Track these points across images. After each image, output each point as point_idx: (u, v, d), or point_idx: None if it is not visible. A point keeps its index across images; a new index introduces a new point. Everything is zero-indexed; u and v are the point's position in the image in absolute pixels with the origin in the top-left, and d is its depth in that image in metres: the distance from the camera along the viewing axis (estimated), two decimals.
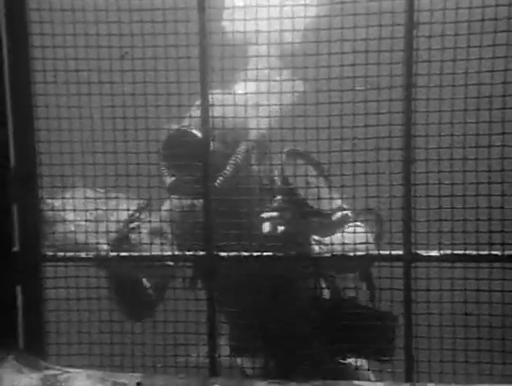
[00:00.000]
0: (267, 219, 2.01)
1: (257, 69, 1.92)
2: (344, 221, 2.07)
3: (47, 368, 1.81)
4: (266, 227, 1.99)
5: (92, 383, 1.73)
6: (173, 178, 2.30)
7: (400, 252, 1.89)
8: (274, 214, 2.03)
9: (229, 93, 2.04)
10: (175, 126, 2.25)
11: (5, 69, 1.94)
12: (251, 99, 1.93)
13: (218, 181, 2.25)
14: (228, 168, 2.28)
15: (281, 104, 1.92)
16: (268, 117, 1.98)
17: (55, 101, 1.95)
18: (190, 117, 2.18)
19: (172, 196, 2.36)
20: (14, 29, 1.93)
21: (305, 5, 1.83)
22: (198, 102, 1.99)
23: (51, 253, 2.05)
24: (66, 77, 1.93)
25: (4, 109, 1.95)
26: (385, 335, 2.08)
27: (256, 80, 1.91)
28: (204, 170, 1.94)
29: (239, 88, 2.12)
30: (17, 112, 1.97)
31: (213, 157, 1.99)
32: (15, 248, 2.02)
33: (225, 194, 2.09)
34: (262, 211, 2.06)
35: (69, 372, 1.80)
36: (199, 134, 2.13)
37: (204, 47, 1.87)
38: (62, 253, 2.05)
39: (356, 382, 1.79)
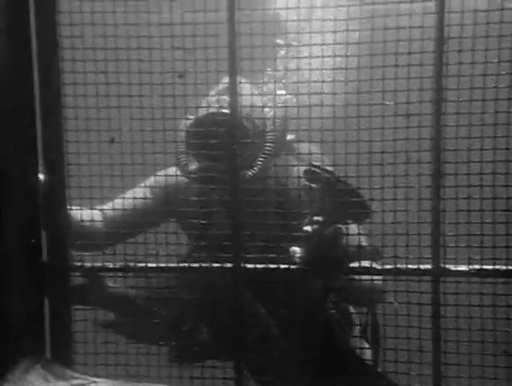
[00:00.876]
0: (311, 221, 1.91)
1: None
2: None
3: (73, 377, 1.80)
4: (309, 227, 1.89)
5: None
6: (197, 166, 2.21)
7: (429, 267, 1.88)
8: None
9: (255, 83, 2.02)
10: (193, 115, 2.15)
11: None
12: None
13: (250, 173, 2.16)
14: (260, 159, 2.18)
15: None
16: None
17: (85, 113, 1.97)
18: (207, 103, 2.12)
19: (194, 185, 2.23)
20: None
21: (335, 20, 1.84)
22: (214, 90, 2.05)
23: (78, 264, 2.06)
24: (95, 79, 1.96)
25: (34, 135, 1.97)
26: None
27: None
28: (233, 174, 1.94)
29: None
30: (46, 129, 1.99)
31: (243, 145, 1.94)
32: (44, 259, 2.04)
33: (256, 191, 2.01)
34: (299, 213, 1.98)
35: (95, 382, 1.79)
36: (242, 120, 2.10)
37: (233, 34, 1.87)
38: (89, 264, 2.06)
39: None
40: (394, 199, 1.86)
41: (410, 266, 1.89)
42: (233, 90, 1.89)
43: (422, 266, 1.88)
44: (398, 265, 1.89)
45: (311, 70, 1.88)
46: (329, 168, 1.88)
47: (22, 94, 1.88)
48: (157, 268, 2.04)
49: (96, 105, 1.95)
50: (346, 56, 1.85)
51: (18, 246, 1.85)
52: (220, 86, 2.14)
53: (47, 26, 1.92)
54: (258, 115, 2.16)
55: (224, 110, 2.06)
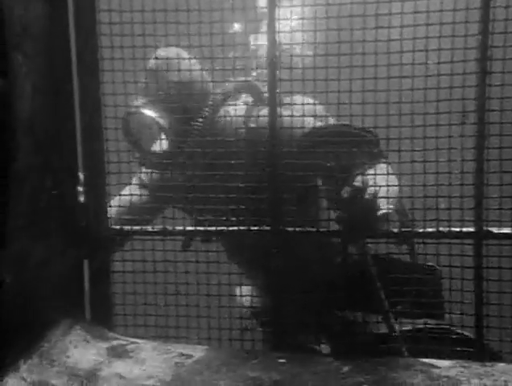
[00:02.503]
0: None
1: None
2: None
3: (114, 338, 1.82)
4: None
5: (158, 354, 1.72)
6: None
7: (471, 230, 1.85)
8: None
9: None
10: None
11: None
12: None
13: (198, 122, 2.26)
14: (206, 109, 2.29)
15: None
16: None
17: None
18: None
19: None
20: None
21: None
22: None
23: (117, 227, 2.07)
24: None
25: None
26: (431, 289, 2.01)
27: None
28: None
29: None
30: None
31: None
32: (83, 223, 2.05)
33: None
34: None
35: (136, 343, 1.81)
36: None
37: None
38: (128, 227, 2.07)
39: (425, 360, 1.75)
40: (436, 162, 1.84)
41: (452, 229, 1.87)
42: None
43: (464, 229, 1.86)
44: (441, 228, 1.87)
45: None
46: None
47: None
48: (195, 231, 2.04)
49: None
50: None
51: (58, 209, 1.85)
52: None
53: None
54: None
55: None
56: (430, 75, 1.82)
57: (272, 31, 1.88)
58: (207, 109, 2.30)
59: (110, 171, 2.03)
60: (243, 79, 2.38)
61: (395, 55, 1.84)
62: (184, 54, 2.21)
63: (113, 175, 2.05)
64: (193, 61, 2.20)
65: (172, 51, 2.17)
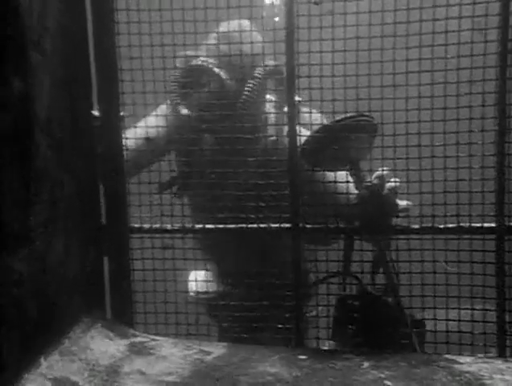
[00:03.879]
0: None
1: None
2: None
3: (134, 336, 1.83)
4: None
5: (178, 351, 1.73)
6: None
7: (493, 225, 1.84)
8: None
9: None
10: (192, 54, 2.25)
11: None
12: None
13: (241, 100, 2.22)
14: (246, 91, 2.24)
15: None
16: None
17: None
18: (207, 45, 2.22)
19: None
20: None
21: None
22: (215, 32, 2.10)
23: (137, 225, 2.08)
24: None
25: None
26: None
27: None
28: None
29: None
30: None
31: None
32: (103, 221, 2.06)
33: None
34: None
35: (156, 340, 1.81)
36: (219, 72, 2.23)
37: None
38: (148, 225, 2.07)
39: (447, 356, 1.74)
40: (457, 156, 1.82)
41: (473, 224, 1.85)
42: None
43: (486, 224, 1.84)
44: (461, 224, 1.86)
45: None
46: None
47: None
48: (215, 229, 2.04)
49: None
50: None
51: (78, 207, 1.86)
52: (214, 35, 2.20)
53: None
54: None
55: (203, 63, 2.25)
56: (449, 69, 1.80)
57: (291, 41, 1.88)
58: (249, 88, 2.25)
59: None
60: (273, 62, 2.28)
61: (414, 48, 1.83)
62: (247, 25, 2.18)
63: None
64: (255, 33, 2.17)
65: (235, 23, 2.16)
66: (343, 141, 1.86)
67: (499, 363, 1.69)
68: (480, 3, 1.76)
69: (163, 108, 2.37)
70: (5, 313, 1.42)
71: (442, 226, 1.86)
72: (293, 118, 1.91)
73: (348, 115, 1.85)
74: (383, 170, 1.87)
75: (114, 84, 1.99)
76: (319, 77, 1.87)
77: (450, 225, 1.86)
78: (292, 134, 1.92)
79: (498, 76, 1.78)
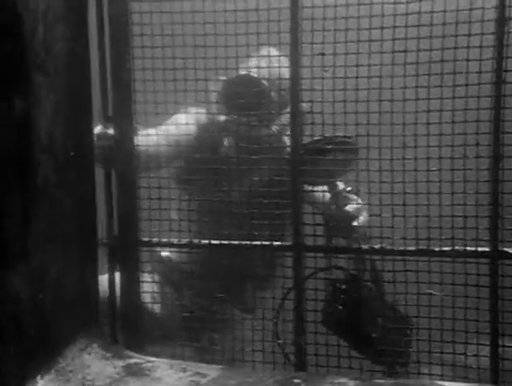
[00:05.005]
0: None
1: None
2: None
3: (130, 357, 1.84)
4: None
5: (174, 373, 1.74)
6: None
7: (487, 249, 1.87)
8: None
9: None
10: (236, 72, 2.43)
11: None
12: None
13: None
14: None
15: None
16: None
17: None
18: (248, 67, 2.40)
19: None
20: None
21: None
22: (257, 53, 2.22)
23: (146, 239, 2.16)
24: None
25: None
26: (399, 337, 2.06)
27: None
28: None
29: None
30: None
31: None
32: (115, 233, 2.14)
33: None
34: None
35: (152, 361, 1.83)
36: (263, 81, 2.44)
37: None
38: (157, 239, 2.15)
39: (439, 382, 1.77)
40: (452, 182, 1.86)
41: (468, 248, 1.89)
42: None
43: (480, 248, 1.88)
44: (456, 247, 1.89)
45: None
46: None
47: None
48: (220, 245, 2.11)
49: None
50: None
51: (77, 226, 1.85)
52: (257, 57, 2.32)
53: None
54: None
55: (250, 73, 2.47)
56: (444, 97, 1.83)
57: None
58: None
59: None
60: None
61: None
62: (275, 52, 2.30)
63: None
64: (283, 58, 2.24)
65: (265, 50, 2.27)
66: (319, 160, 2.00)
67: None
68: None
69: (180, 117, 2.45)
70: (2, 329, 1.46)
71: (437, 249, 1.90)
72: (296, 140, 1.97)
73: (324, 136, 1.95)
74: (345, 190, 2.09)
75: (128, 101, 2.10)
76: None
77: (445, 248, 1.90)
78: (294, 153, 1.97)
79: (493, 105, 1.81)
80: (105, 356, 1.77)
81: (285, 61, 2.11)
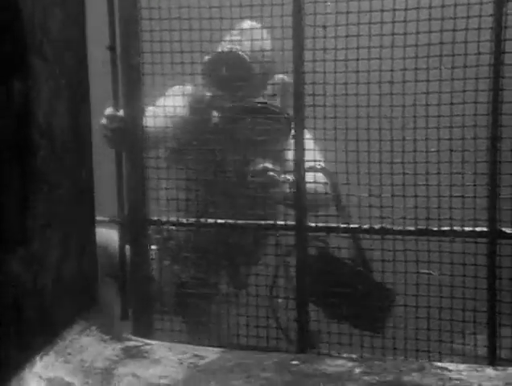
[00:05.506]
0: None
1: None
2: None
3: (129, 339, 1.87)
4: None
5: (172, 355, 1.77)
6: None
7: (485, 229, 1.89)
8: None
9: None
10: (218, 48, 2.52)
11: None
12: None
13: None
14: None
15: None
16: None
17: None
18: (231, 40, 2.47)
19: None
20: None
21: None
22: (238, 27, 2.34)
23: (155, 218, 2.22)
24: None
25: None
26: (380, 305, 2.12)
27: None
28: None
29: None
30: None
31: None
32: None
33: None
34: None
35: (150, 344, 1.86)
36: (245, 56, 2.49)
37: None
38: (165, 218, 2.21)
39: (438, 363, 1.80)
40: (450, 162, 1.88)
41: (466, 228, 1.91)
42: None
43: (478, 228, 1.90)
44: (455, 227, 1.92)
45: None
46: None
47: None
48: (225, 224, 2.15)
49: None
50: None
51: (76, 209, 1.86)
52: (237, 30, 2.47)
53: None
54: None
55: (238, 51, 2.50)
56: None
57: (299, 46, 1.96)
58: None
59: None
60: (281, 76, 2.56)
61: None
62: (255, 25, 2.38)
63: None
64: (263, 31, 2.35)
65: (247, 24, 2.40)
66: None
67: (489, 371, 1.71)
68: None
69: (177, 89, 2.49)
70: (2, 312, 1.47)
71: (436, 228, 1.93)
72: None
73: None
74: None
75: (138, 85, 2.17)
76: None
77: (444, 228, 1.92)
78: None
79: (491, 87, 1.82)
80: (104, 339, 1.79)
81: (265, 33, 2.26)
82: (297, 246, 2.05)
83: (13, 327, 1.48)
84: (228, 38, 2.47)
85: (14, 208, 1.50)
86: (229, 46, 2.52)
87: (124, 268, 2.25)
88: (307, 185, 2.03)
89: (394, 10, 1.87)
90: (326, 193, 2.19)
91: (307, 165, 2.03)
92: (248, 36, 2.33)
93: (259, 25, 2.32)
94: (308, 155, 2.02)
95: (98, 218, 2.20)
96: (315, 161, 2.09)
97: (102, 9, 2.14)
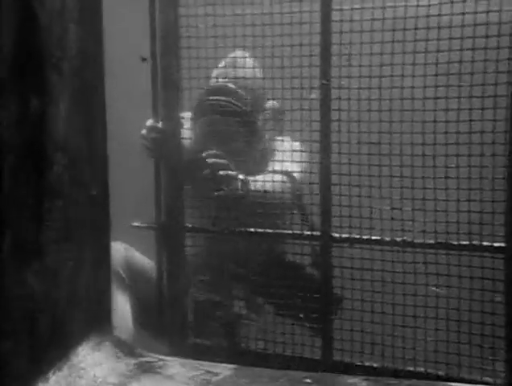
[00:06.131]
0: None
1: None
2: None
3: (142, 355, 1.85)
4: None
5: (186, 371, 1.75)
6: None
7: (502, 245, 1.91)
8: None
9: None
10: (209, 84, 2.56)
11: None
12: None
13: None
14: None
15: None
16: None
17: None
18: (216, 77, 2.53)
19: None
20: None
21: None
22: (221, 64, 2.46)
23: (190, 225, 2.33)
24: None
25: None
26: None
27: None
28: None
29: None
30: None
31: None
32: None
33: None
34: None
35: (164, 360, 1.84)
36: (239, 90, 2.52)
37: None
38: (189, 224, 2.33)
39: (453, 384, 1.80)
40: (468, 178, 1.91)
41: (483, 243, 1.94)
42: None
43: (495, 244, 1.92)
44: (474, 242, 1.95)
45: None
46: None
47: None
48: (243, 232, 2.25)
49: None
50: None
51: (91, 224, 1.86)
52: (227, 60, 2.50)
53: None
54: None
55: (227, 84, 2.53)
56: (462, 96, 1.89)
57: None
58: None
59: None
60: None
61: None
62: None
63: None
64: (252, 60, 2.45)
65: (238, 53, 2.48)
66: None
67: None
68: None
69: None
70: (16, 325, 1.47)
71: (455, 243, 1.96)
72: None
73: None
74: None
75: (176, 97, 2.31)
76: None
77: (463, 243, 1.96)
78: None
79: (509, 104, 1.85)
80: (117, 354, 1.78)
81: (255, 63, 2.38)
82: (322, 256, 2.12)
83: (26, 341, 1.50)
84: (215, 71, 2.54)
85: (29, 222, 1.53)
86: (221, 80, 2.55)
87: (161, 275, 2.37)
88: (266, 184, 2.20)
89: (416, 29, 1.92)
90: (283, 192, 2.30)
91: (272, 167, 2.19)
92: (237, 65, 2.41)
93: (247, 54, 2.43)
94: (278, 158, 2.22)
95: (136, 223, 2.38)
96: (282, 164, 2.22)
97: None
